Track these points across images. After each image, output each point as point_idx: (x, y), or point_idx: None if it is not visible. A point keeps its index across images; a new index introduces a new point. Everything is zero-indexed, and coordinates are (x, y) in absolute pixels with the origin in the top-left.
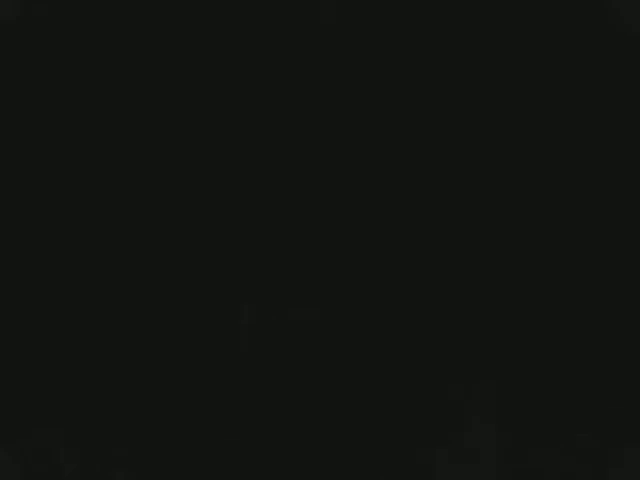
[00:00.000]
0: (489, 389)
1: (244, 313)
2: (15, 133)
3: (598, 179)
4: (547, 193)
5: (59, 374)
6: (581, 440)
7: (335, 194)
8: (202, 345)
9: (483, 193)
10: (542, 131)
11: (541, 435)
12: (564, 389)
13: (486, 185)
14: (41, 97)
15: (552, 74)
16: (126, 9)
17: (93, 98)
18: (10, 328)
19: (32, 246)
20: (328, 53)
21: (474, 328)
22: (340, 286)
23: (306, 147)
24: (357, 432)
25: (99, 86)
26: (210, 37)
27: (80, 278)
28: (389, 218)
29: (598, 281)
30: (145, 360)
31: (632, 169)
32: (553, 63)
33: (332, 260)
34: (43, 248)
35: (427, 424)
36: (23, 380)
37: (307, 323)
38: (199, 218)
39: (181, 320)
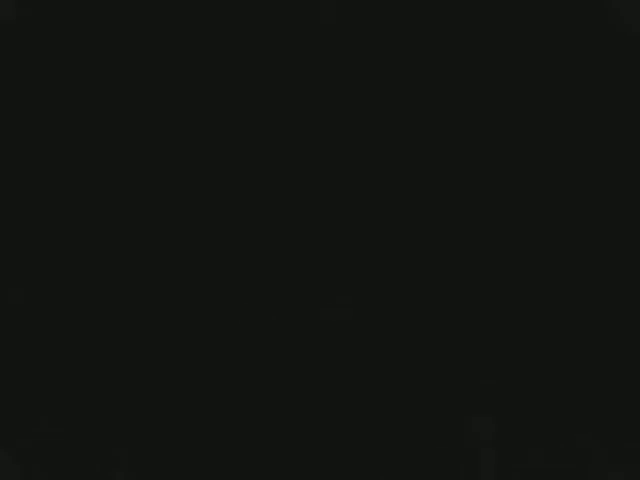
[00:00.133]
0: (489, 388)
1: (273, 312)
2: (14, 132)
3: (598, 179)
4: (547, 193)
5: (61, 374)
6: (581, 440)
7: (341, 194)
8: (226, 345)
9: (484, 192)
10: (542, 131)
11: (541, 435)
12: (564, 390)
13: (487, 186)
14: (40, 96)
15: (552, 74)
16: (126, 9)
17: (92, 97)
18: (10, 328)
19: (35, 246)
20: (328, 53)
21: (476, 330)
22: (372, 285)
23: (307, 147)
24: (368, 430)
25: (98, 85)
26: (210, 37)
27: (80, 278)
28: (402, 224)
29: (597, 282)
30: (149, 361)
31: (632, 169)
32: (553, 63)
33: (360, 260)
34: (45, 248)
35: (432, 426)
36: (24, 380)
37: (339, 323)
38: (226, 217)
39: (202, 320)
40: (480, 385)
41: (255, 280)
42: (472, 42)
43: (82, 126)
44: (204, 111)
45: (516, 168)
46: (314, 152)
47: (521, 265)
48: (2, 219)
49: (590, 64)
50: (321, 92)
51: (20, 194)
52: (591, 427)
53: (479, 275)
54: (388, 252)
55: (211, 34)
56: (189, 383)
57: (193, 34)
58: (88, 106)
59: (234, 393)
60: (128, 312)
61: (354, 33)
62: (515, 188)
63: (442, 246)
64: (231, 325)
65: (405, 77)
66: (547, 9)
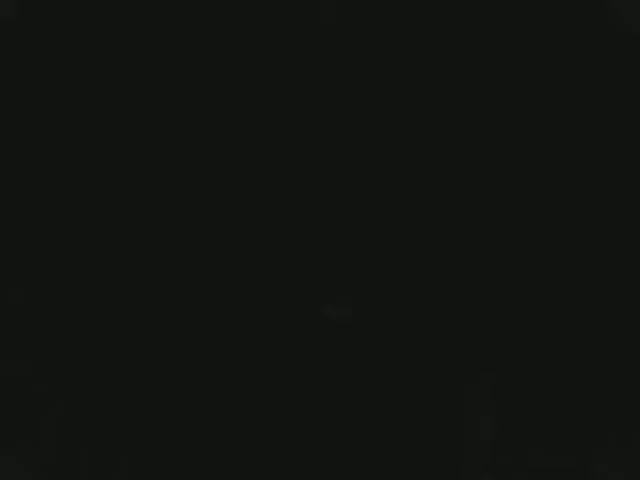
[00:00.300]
0: (487, 385)
1: (275, 311)
2: (14, 131)
3: (598, 179)
4: (548, 191)
5: (61, 374)
6: (581, 440)
7: (341, 194)
8: (225, 345)
9: (484, 192)
10: (542, 131)
11: (541, 435)
12: (564, 389)
13: (487, 183)
14: (40, 95)
15: (552, 74)
16: (127, 8)
17: (93, 96)
18: (10, 328)
19: (35, 246)
20: (328, 53)
21: (476, 329)
22: (372, 285)
23: (307, 146)
24: (368, 429)
25: (98, 85)
26: (209, 36)
27: (80, 278)
28: (401, 221)
29: (597, 279)
30: (150, 360)
31: (632, 169)
32: (553, 63)
33: (360, 259)
34: (45, 248)
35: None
36: (24, 381)
37: (339, 323)
38: (225, 217)
39: (201, 320)
40: (480, 385)
41: (255, 280)
42: (472, 42)
43: (82, 125)
44: (203, 111)
45: (516, 168)
46: (314, 152)
47: (521, 266)
48: (2, 219)
49: (590, 64)
50: (321, 92)
51: (20, 194)
52: (591, 427)
53: (479, 275)
54: (388, 252)
55: (211, 34)
56: (189, 383)
57: (193, 33)
58: (88, 105)
59: (234, 392)
60: (128, 312)
61: (354, 33)
62: (515, 187)
63: (442, 246)
64: (231, 325)
65: (405, 77)
66: (547, 9)
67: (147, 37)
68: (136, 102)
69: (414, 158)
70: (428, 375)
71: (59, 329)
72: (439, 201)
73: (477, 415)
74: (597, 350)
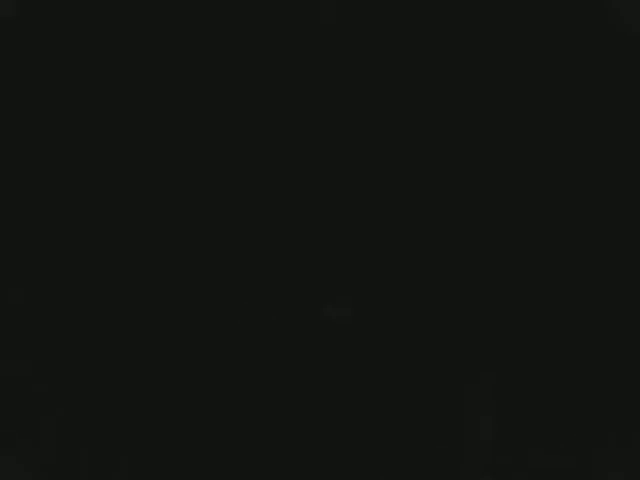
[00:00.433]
0: (487, 385)
1: (276, 311)
2: (14, 131)
3: (598, 179)
4: (548, 191)
5: (61, 374)
6: (581, 440)
7: (340, 193)
8: (225, 344)
9: (484, 191)
10: (542, 131)
11: (541, 435)
12: (564, 389)
13: (487, 183)
14: (40, 95)
15: (552, 74)
16: (126, 8)
17: (92, 97)
18: (10, 328)
19: (35, 246)
20: (328, 53)
21: (476, 328)
22: (372, 285)
23: (307, 146)
24: (367, 429)
25: (98, 85)
26: (209, 36)
27: (80, 278)
28: (400, 220)
29: (597, 279)
30: (149, 360)
31: (632, 169)
32: (553, 63)
33: (360, 258)
34: (45, 247)
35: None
36: (24, 381)
37: (339, 323)
38: (225, 216)
39: (201, 320)
40: (480, 385)
41: (255, 280)
42: (472, 42)
43: (83, 125)
44: (204, 110)
45: (516, 167)
46: (314, 152)
47: (521, 266)
48: (2, 219)
49: (590, 64)
50: (321, 92)
51: (20, 194)
52: (591, 427)
53: (479, 275)
54: (388, 252)
55: (210, 33)
56: (189, 383)
57: (193, 33)
58: (89, 104)
59: (234, 392)
60: (128, 312)
61: (354, 33)
62: (515, 187)
63: (442, 246)
64: (231, 325)
65: (405, 77)
66: (547, 9)
67: (147, 37)
68: (136, 102)
69: (414, 158)
70: (428, 375)
71: (59, 329)
72: (439, 201)
73: (477, 415)
74: (597, 350)
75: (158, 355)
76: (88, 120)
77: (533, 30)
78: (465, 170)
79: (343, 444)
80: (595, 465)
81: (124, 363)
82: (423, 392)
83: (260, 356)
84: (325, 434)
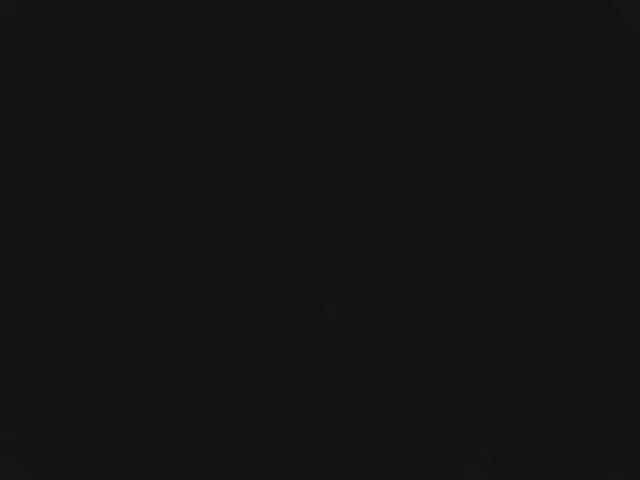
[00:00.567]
0: (487, 385)
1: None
2: (14, 128)
3: (598, 179)
4: (547, 192)
5: (60, 369)
6: (581, 440)
7: (341, 193)
8: (226, 344)
9: (484, 192)
10: (542, 131)
11: (541, 435)
12: (564, 389)
13: (486, 185)
14: (40, 95)
15: (552, 74)
16: (126, 8)
17: (92, 97)
18: (10, 328)
19: (32, 238)
20: (328, 53)
21: (476, 328)
22: (372, 285)
23: (306, 146)
24: (367, 428)
25: (98, 85)
26: (209, 36)
27: (78, 273)
28: (397, 220)
29: (597, 279)
30: (148, 356)
31: (632, 169)
32: (553, 63)
33: (359, 259)
34: (42, 240)
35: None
36: (22, 376)
37: (339, 322)
38: (224, 216)
39: (200, 319)
40: (480, 385)
41: (255, 280)
42: (472, 42)
43: (83, 125)
44: (203, 110)
45: (516, 168)
46: (313, 151)
47: (521, 266)
48: (2, 217)
49: (590, 64)
50: (321, 92)
51: (17, 188)
52: (591, 427)
53: (479, 274)
54: (388, 252)
55: (210, 33)
56: (189, 383)
57: (193, 33)
58: (89, 104)
59: (234, 392)
60: (128, 312)
61: (354, 33)
62: (515, 186)
63: (442, 246)
64: (231, 325)
65: (406, 77)
66: (547, 9)
67: (147, 37)
68: (136, 102)
69: (413, 158)
70: (428, 375)
71: (59, 330)
72: (439, 202)
73: (477, 415)
74: (597, 350)
75: (157, 354)
76: (88, 120)
77: (533, 30)
78: (464, 172)
79: (343, 444)
80: (595, 465)
81: (124, 362)
82: (423, 392)
83: (260, 356)
84: (325, 434)
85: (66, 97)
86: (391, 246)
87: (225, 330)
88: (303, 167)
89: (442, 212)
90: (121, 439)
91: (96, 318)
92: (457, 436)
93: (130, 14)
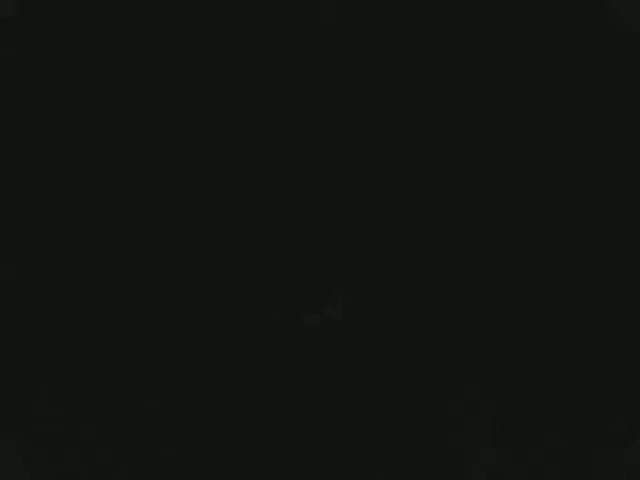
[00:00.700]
0: (487, 385)
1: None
2: (13, 131)
3: (598, 179)
4: (547, 193)
5: (55, 355)
6: (581, 440)
7: (339, 194)
8: (226, 344)
9: (483, 195)
10: (542, 131)
11: (541, 435)
12: (564, 389)
13: (485, 187)
14: (40, 95)
15: (552, 74)
16: (126, 8)
17: (92, 97)
18: (10, 328)
19: (27, 221)
20: (328, 53)
21: (475, 328)
22: (371, 284)
23: (304, 147)
24: (367, 428)
25: (99, 85)
26: (209, 36)
27: (74, 256)
28: (395, 221)
29: (596, 281)
30: (152, 360)
31: (632, 169)
32: (553, 63)
33: (350, 260)
34: (38, 223)
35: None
36: (17, 362)
37: (339, 322)
38: (225, 216)
39: (200, 320)
40: (480, 386)
41: (255, 280)
42: (472, 42)
43: (83, 124)
44: (203, 110)
45: (515, 168)
46: (313, 151)
47: (520, 268)
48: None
49: (590, 64)
50: (321, 92)
51: (17, 187)
52: (591, 427)
53: (476, 278)
54: (388, 253)
55: (210, 33)
56: (188, 383)
57: (193, 33)
58: (89, 104)
59: (234, 393)
60: (125, 310)
61: (354, 33)
62: (514, 186)
63: (442, 247)
64: (231, 325)
65: (406, 77)
66: (547, 9)
67: (147, 37)
68: (137, 102)
69: (413, 158)
70: (428, 375)
71: (53, 307)
72: (439, 204)
73: (477, 415)
74: (597, 349)
75: (158, 354)
76: (88, 120)
77: (533, 30)
78: (462, 173)
79: (342, 443)
80: (595, 465)
81: (122, 361)
82: (422, 392)
83: (260, 356)
84: (325, 433)
85: (66, 97)
86: (391, 248)
87: (225, 330)
88: (303, 167)
89: (442, 212)
90: (120, 439)
91: (91, 317)
92: (457, 436)
93: (130, 14)
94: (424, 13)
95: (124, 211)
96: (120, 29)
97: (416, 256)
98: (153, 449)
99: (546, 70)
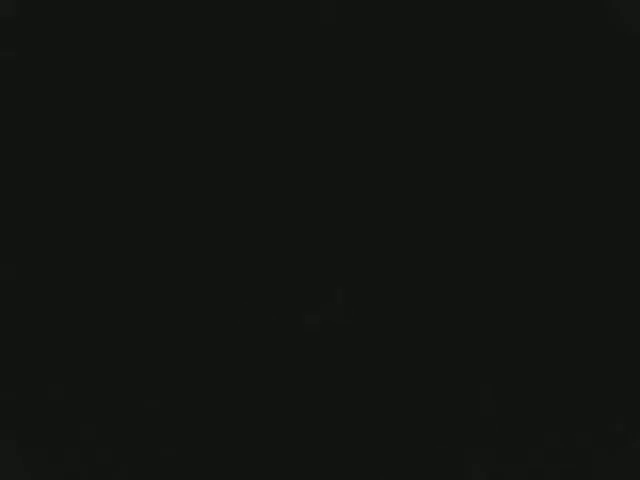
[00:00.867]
0: (487, 385)
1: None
2: (13, 131)
3: (598, 179)
4: (547, 193)
5: (55, 353)
6: (581, 440)
7: (338, 195)
8: (226, 344)
9: (482, 196)
10: (542, 131)
11: (541, 435)
12: (564, 389)
13: (483, 184)
14: (40, 95)
15: (552, 74)
16: (126, 8)
17: (92, 97)
18: (9, 328)
19: (27, 221)
20: (328, 53)
21: (474, 330)
22: (371, 285)
23: (303, 147)
24: (367, 428)
25: (99, 85)
26: (209, 36)
27: (74, 256)
28: (395, 221)
29: (596, 282)
30: (152, 360)
31: (632, 169)
32: (553, 63)
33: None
34: (37, 223)
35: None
36: (17, 361)
37: (338, 322)
38: (225, 217)
39: (200, 320)
40: (480, 386)
41: (255, 280)
42: (472, 42)
43: (83, 124)
44: (203, 110)
45: (515, 168)
46: (313, 151)
47: (520, 269)
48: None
49: (590, 64)
50: (321, 92)
51: (17, 187)
52: (591, 428)
53: (476, 279)
54: (388, 255)
55: (210, 33)
56: (188, 383)
57: (193, 33)
58: (89, 104)
59: (235, 393)
60: (124, 310)
61: (354, 33)
62: (514, 186)
63: (442, 248)
64: (231, 325)
65: (406, 77)
66: (547, 9)
67: (147, 37)
68: (136, 102)
69: (413, 158)
70: (427, 375)
71: (53, 307)
72: (439, 204)
73: (477, 415)
74: (597, 349)
75: (157, 354)
76: (88, 120)
77: (533, 30)
78: (462, 173)
79: (342, 443)
80: (595, 465)
81: (121, 360)
82: (422, 392)
83: (260, 356)
84: (324, 433)
85: (66, 97)
86: (391, 246)
87: (225, 330)
88: (303, 167)
89: (443, 212)
90: (120, 439)
91: (91, 317)
92: (457, 436)
93: (130, 14)
94: (424, 13)
95: (124, 211)
96: (120, 29)
97: (415, 256)
98: (153, 449)
99: (546, 70)
